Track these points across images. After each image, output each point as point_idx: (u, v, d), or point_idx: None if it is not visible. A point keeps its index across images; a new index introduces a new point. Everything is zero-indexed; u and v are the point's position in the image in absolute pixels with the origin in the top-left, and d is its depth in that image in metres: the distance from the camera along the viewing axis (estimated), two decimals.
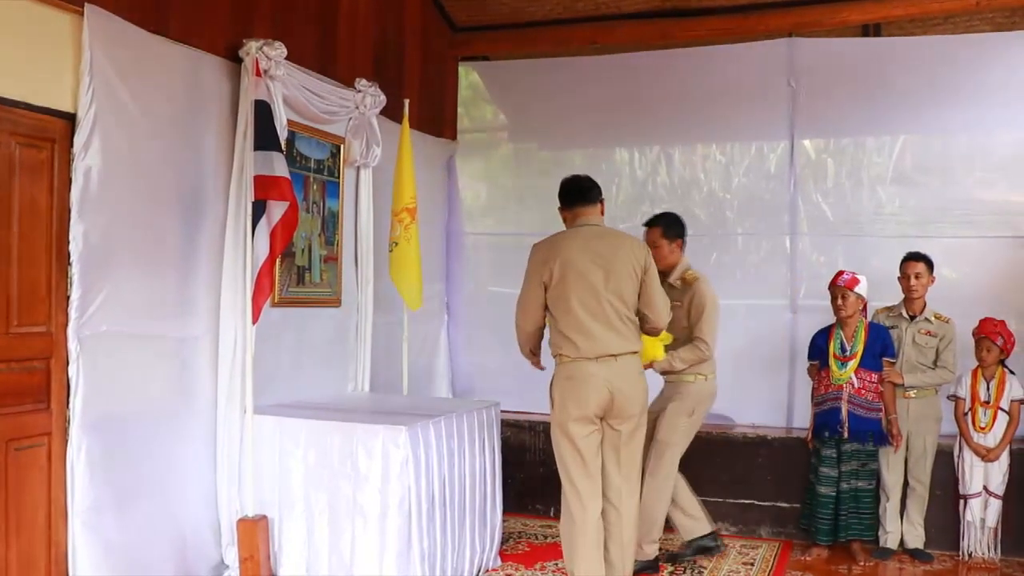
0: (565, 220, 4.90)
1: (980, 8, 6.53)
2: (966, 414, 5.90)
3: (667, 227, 5.67)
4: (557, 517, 6.17)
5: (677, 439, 5.63)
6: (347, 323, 6.09)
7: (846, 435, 5.76)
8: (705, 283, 5.61)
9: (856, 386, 5.78)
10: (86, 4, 4.12)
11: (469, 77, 8.17)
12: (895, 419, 5.86)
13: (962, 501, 5.91)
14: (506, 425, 5.94)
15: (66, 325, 4.14)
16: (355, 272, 6.15)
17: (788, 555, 6.08)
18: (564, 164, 7.96)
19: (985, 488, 5.82)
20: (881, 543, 6.00)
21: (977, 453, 5.82)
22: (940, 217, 6.84)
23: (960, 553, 5.94)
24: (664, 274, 5.45)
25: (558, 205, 4.92)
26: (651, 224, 5.73)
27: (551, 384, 4.78)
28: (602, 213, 4.90)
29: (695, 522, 5.82)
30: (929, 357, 5.93)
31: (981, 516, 5.84)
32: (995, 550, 5.86)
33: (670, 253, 5.65)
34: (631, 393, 4.70)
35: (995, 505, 5.82)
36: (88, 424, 4.17)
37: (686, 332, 5.57)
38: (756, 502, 6.53)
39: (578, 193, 4.86)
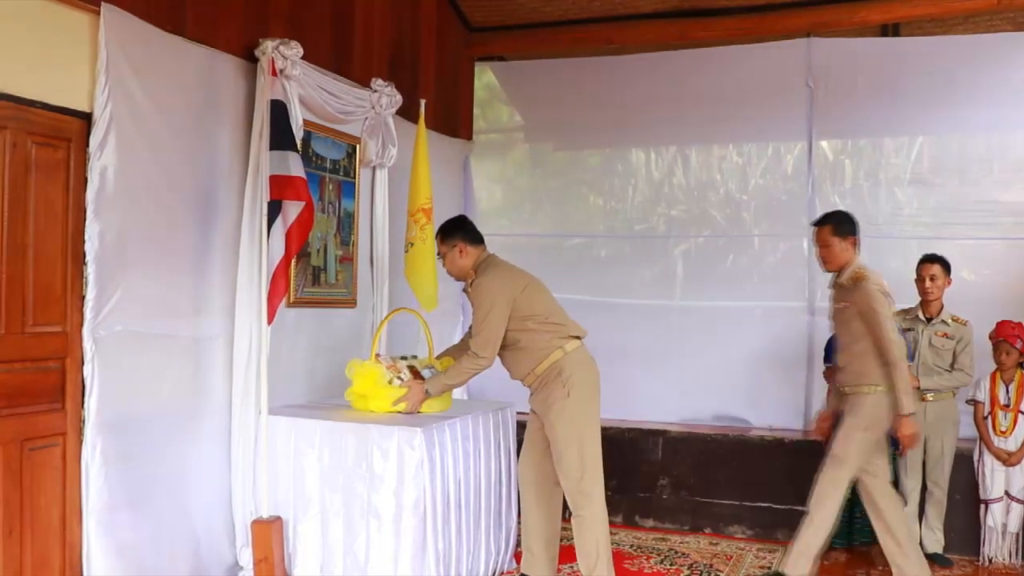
0: (466, 255, 4.98)
1: (1001, 7, 6.47)
2: (986, 418, 5.84)
3: (837, 225, 5.28)
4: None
5: (852, 454, 5.14)
6: (362, 324, 6.08)
7: None
8: (871, 280, 5.10)
9: None
10: (102, 3, 4.11)
11: (485, 77, 8.15)
12: None
13: (983, 506, 5.85)
14: (521, 427, 5.90)
15: (81, 325, 4.13)
16: (371, 273, 6.15)
17: None
18: (580, 164, 7.96)
19: (1007, 493, 5.76)
20: None
21: (998, 458, 5.76)
22: (958, 218, 6.79)
23: (980, 558, 5.88)
24: (837, 274, 5.28)
25: (460, 241, 4.99)
26: (820, 223, 5.35)
27: (564, 375, 4.79)
28: None
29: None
30: (946, 360, 5.88)
31: (1003, 521, 5.78)
32: (1017, 555, 5.81)
33: (842, 252, 5.23)
34: None
35: (1017, 510, 5.76)
36: (103, 424, 4.16)
37: (860, 332, 5.11)
38: (773, 505, 6.49)
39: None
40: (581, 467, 4.77)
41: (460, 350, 5.21)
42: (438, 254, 5.13)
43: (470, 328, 4.98)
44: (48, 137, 4.00)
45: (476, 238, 5.04)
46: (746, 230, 7.40)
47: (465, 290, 5.04)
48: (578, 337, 4.92)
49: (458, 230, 5.03)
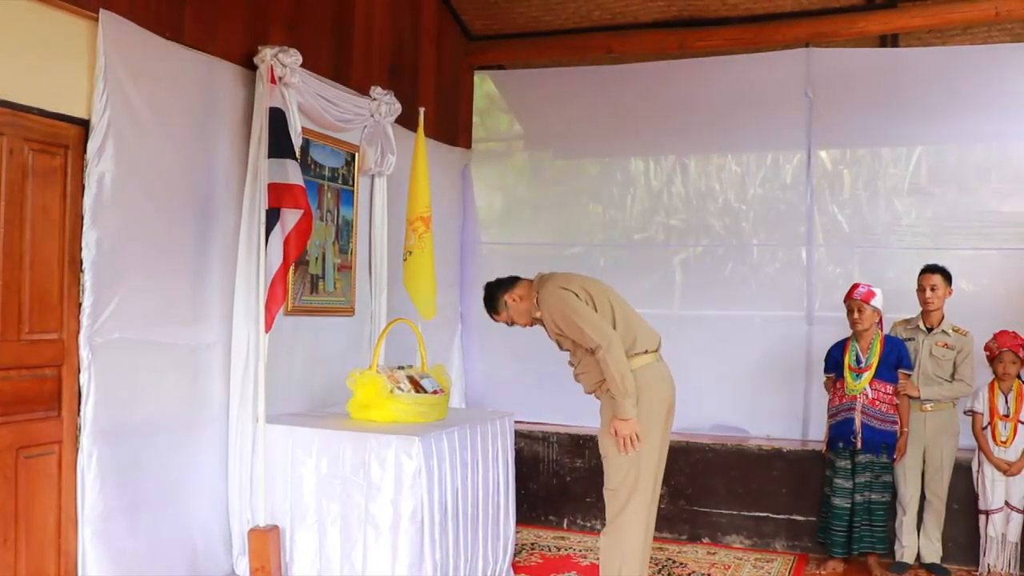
0: (519, 298, 4.67)
1: (999, 18, 6.47)
2: (985, 428, 5.83)
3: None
4: (571, 528, 6.13)
5: None
6: (361, 332, 6.07)
7: (859, 446, 5.71)
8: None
9: (870, 397, 5.73)
10: (101, 10, 4.11)
11: (484, 86, 8.15)
12: (906, 432, 5.81)
13: (983, 516, 5.82)
14: (519, 436, 5.90)
15: (78, 332, 4.12)
16: (369, 281, 6.13)
17: (803, 568, 6.01)
18: (579, 173, 7.96)
19: (1007, 503, 5.74)
20: (897, 557, 5.93)
21: (999, 468, 5.74)
22: (956, 229, 6.78)
23: (979, 568, 5.86)
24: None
25: (505, 296, 4.69)
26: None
27: None
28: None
29: None
30: (946, 370, 5.87)
31: (1003, 531, 5.76)
32: (1017, 566, 5.78)
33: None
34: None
35: (1017, 520, 5.73)
36: (99, 432, 4.16)
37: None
38: (771, 515, 6.47)
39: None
40: (618, 488, 4.51)
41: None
42: (508, 323, 4.77)
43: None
44: (45, 144, 4.00)
45: (510, 282, 4.72)
46: (745, 239, 7.39)
47: (539, 319, 4.67)
48: (650, 351, 4.56)
49: (496, 290, 4.73)
